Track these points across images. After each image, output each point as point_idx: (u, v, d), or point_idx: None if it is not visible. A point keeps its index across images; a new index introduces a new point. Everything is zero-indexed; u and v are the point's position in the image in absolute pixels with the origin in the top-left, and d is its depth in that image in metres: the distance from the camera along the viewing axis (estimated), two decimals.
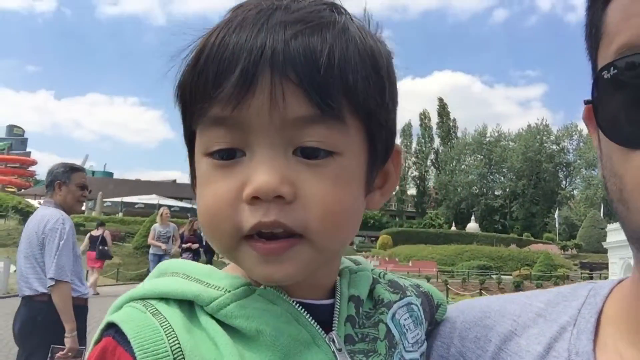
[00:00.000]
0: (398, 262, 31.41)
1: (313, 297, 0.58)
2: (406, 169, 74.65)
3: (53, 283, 3.50)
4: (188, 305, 0.53)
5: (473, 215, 53.33)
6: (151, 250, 11.34)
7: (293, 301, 0.55)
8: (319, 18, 0.52)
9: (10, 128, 75.54)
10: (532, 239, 45.60)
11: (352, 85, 0.51)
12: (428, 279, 19.40)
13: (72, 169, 3.92)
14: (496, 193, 58.51)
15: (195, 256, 10.85)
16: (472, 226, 48.06)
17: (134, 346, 0.48)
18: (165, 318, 0.51)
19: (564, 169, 57.99)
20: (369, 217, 64.36)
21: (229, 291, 0.54)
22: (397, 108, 0.59)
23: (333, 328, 0.57)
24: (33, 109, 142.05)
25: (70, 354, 3.52)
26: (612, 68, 0.51)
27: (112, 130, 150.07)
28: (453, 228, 51.84)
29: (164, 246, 10.70)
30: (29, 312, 3.63)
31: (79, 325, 3.66)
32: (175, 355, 0.48)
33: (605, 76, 0.51)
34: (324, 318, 0.57)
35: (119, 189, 49.84)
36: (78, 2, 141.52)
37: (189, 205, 38.43)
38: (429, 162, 73.83)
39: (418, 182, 74.26)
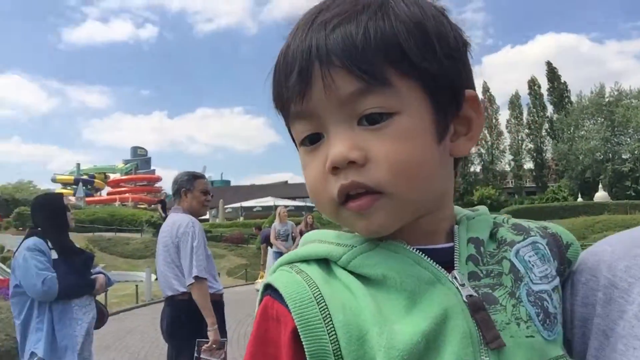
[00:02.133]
0: None
1: (431, 243, 0.64)
2: (519, 141, 71.03)
3: (192, 281, 3.77)
4: (325, 263, 0.63)
5: (600, 184, 49.29)
6: (273, 249, 11.91)
7: (412, 248, 0.62)
8: (354, 7, 0.60)
9: (135, 149, 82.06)
10: None
11: (393, 53, 0.58)
12: None
13: (194, 177, 4.19)
14: (624, 157, 53.68)
15: None
16: (601, 195, 44.45)
17: (285, 298, 0.59)
18: (307, 274, 0.61)
19: None
20: (485, 197, 62.09)
21: (355, 247, 0.62)
22: (458, 58, 0.63)
23: (455, 267, 0.62)
24: (151, 129, 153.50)
25: (214, 345, 3.79)
26: None
27: (224, 140, 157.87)
28: (579, 199, 48.46)
29: (284, 249, 11.23)
30: (172, 311, 3.92)
31: (218, 320, 3.91)
32: (318, 301, 0.58)
33: None
34: (445, 259, 0.62)
35: (236, 195, 52.42)
36: (177, 25, 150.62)
37: (302, 204, 39.51)
38: (543, 132, 69.60)
39: (534, 154, 70.32)
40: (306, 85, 0.59)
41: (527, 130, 70.22)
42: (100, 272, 3.86)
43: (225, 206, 42.56)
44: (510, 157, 71.96)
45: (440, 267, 0.61)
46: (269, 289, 0.63)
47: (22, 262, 3.44)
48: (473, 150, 0.68)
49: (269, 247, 12.54)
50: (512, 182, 70.46)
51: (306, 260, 0.64)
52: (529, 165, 71.57)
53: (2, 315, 7.48)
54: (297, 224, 12.40)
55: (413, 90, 0.59)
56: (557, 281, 0.66)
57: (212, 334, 3.81)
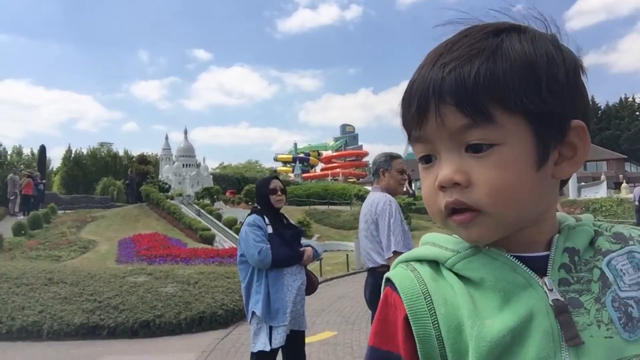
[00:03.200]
0: None
1: (530, 252, 0.71)
2: None
3: (391, 255, 3.96)
4: (435, 264, 0.74)
5: None
6: None
7: (510, 255, 0.70)
8: (471, 50, 0.67)
9: (343, 127, 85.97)
10: None
11: (499, 93, 0.65)
12: None
13: (391, 157, 4.36)
14: None
15: None
16: None
17: (400, 291, 0.72)
18: (419, 272, 0.73)
19: None
20: None
21: (459, 252, 0.72)
22: (566, 93, 0.68)
23: (547, 274, 0.69)
24: (358, 106, 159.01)
25: None
26: None
27: (403, 131, 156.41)
28: None
29: None
30: (374, 281, 4.17)
31: None
32: (425, 296, 0.70)
33: None
34: (540, 266, 0.70)
35: None
36: (379, 1, 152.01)
37: None
38: None
39: None
40: (423, 118, 0.69)
41: None
42: (308, 245, 4.27)
43: None
44: None
45: (533, 273, 0.69)
46: (389, 281, 0.75)
47: (244, 235, 4.02)
48: None
49: None
50: None
51: (420, 260, 0.75)
52: None
53: (236, 279, 8.70)
54: None
55: (516, 124, 0.66)
56: None
57: None
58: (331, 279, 13.08)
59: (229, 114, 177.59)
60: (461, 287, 0.69)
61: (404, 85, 0.74)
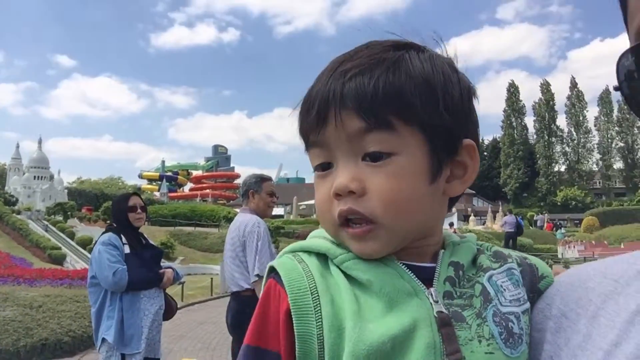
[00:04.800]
0: (607, 245, 28.27)
1: (419, 261, 0.71)
2: (609, 140, 66.95)
3: (256, 279, 3.91)
4: (323, 257, 0.72)
5: None
6: None
7: (399, 262, 0.70)
8: (371, 60, 0.69)
9: (216, 148, 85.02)
10: None
11: (397, 103, 0.67)
12: None
13: (262, 179, 4.36)
14: None
15: None
16: None
17: (285, 284, 0.68)
18: (307, 264, 0.70)
19: None
20: (569, 198, 59.00)
21: (350, 251, 0.70)
22: (460, 111, 0.71)
23: (433, 285, 0.69)
24: (231, 128, 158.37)
25: None
26: (630, 55, 0.51)
27: (300, 139, 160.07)
28: None
29: None
30: (237, 305, 4.09)
31: None
32: (312, 291, 0.66)
33: (626, 63, 0.52)
34: (427, 277, 0.69)
35: (311, 192, 52.81)
36: (257, 28, 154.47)
37: None
38: (635, 130, 65.22)
39: (625, 153, 66.08)
40: (323, 122, 0.69)
41: (617, 128, 66.12)
42: (169, 267, 4.06)
43: (299, 203, 43.17)
44: (599, 156, 68.03)
45: (420, 282, 0.68)
46: (273, 272, 0.71)
47: (97, 255, 3.70)
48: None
49: None
50: (599, 182, 66.62)
51: (308, 252, 0.72)
52: (618, 165, 67.35)
53: (86, 304, 8.04)
54: None
55: (413, 136, 0.68)
56: (528, 305, 0.72)
57: None
58: (193, 303, 12.67)
59: (91, 126, 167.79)
60: (347, 287, 0.67)
61: (278, 112, 0.74)
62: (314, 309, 0.65)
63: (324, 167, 0.72)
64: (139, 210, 3.91)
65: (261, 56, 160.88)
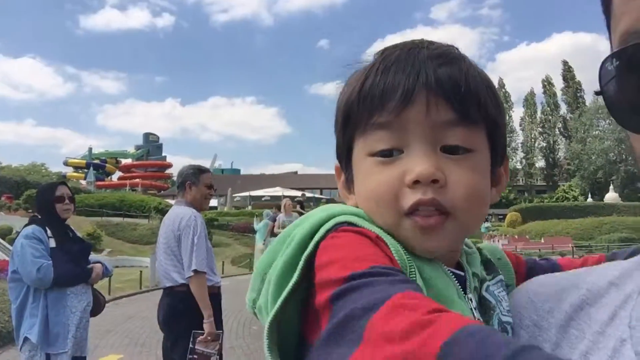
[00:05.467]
0: (529, 239, 29.82)
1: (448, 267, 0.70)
2: (532, 140, 70.42)
3: (192, 274, 3.80)
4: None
5: (612, 185, 48.82)
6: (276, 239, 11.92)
7: (447, 268, 0.68)
8: (451, 54, 0.69)
9: (147, 136, 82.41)
10: None
11: (480, 100, 0.67)
12: (563, 255, 18.25)
13: (200, 170, 4.22)
14: None
15: None
16: (611, 196, 43.99)
17: (388, 242, 0.63)
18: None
19: None
20: None
21: None
22: (503, 119, 0.73)
23: (467, 293, 0.69)
24: (164, 116, 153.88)
25: (209, 337, 3.82)
26: (614, 59, 0.51)
27: (235, 129, 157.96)
28: (589, 200, 48.04)
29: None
30: (171, 301, 3.96)
31: (215, 312, 3.95)
32: (408, 263, 0.63)
33: (609, 67, 0.52)
34: (459, 284, 0.69)
35: (246, 184, 52.58)
36: (193, 14, 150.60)
37: (310, 195, 39.52)
38: (557, 131, 69.06)
39: (546, 152, 69.81)
40: (405, 104, 0.65)
41: (540, 129, 69.66)
42: (97, 262, 3.88)
43: (234, 195, 42.73)
44: (522, 155, 71.38)
45: (461, 290, 0.68)
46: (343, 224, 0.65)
47: (20, 249, 3.48)
48: None
49: (268, 237, 12.59)
50: (522, 180, 70.00)
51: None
52: (540, 163, 71.06)
53: (5, 297, 7.57)
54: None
55: (484, 136, 0.69)
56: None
57: (207, 325, 3.84)
58: (121, 297, 12.27)
59: (11, 109, 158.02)
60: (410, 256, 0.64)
61: (213, 100, 0.66)
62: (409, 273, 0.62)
63: (384, 154, 0.67)
64: (66, 201, 3.70)
65: (196, 44, 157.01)
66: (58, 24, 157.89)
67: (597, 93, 0.55)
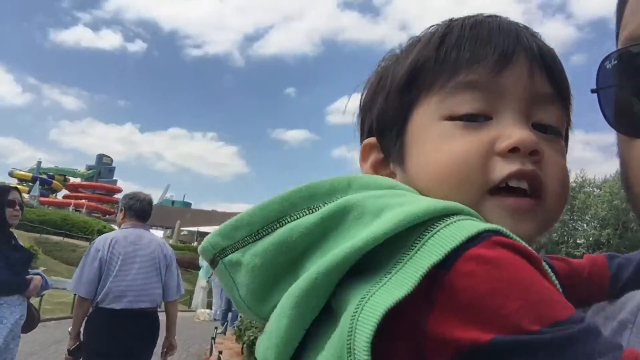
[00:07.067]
0: None
1: None
2: None
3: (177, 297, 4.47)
4: None
5: None
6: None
7: None
8: (538, 34, 0.63)
9: (100, 157, 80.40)
10: None
11: (569, 82, 0.62)
12: None
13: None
14: (578, 241, 55.25)
15: None
16: None
17: (535, 254, 0.46)
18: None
19: None
20: None
21: None
22: None
23: None
24: (121, 140, 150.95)
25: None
26: (612, 58, 0.52)
27: (192, 163, 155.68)
28: None
29: None
30: (150, 324, 4.26)
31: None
32: None
33: (607, 66, 0.52)
34: None
35: (195, 218, 51.57)
36: (166, 45, 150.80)
37: None
38: None
39: None
40: (506, 64, 0.57)
41: None
42: (37, 274, 3.70)
43: (182, 228, 41.80)
44: None
45: None
46: (493, 233, 0.46)
47: None
48: None
49: (213, 275, 12.35)
50: None
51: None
52: None
53: None
54: None
55: (565, 126, 0.64)
56: None
57: (174, 340, 4.56)
58: (50, 319, 11.59)
59: None
60: None
61: (173, 131, 0.61)
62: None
63: (469, 118, 0.57)
64: (17, 207, 3.55)
65: (165, 74, 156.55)
66: (27, 33, 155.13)
67: (592, 91, 0.55)
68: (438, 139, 0.58)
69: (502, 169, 0.55)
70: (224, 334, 10.79)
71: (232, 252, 0.53)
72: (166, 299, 4.38)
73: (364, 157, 0.68)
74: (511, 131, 0.55)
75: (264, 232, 0.52)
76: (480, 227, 0.45)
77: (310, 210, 0.51)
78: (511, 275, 0.41)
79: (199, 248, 0.55)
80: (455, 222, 0.46)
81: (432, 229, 0.45)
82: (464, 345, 0.39)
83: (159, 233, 41.71)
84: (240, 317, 9.21)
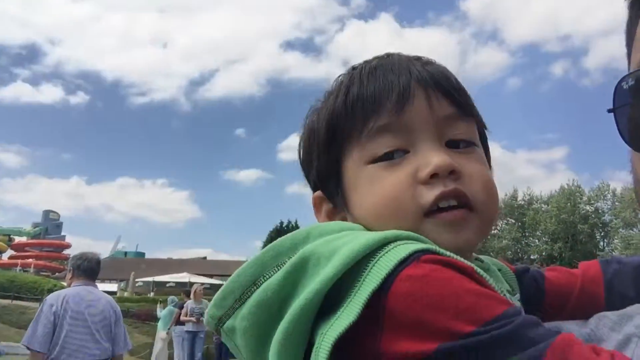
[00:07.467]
0: None
1: None
2: None
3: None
4: None
5: None
6: (185, 328, 11.26)
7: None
8: (426, 58, 0.69)
9: (47, 213, 77.38)
10: None
11: (470, 95, 0.68)
12: None
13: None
14: (532, 257, 56.59)
15: None
16: None
17: (462, 263, 0.52)
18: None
19: (601, 229, 55.90)
20: None
21: None
22: None
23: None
24: (67, 194, 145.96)
25: None
26: (630, 79, 0.54)
27: (143, 211, 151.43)
28: None
29: (197, 320, 10.67)
30: None
31: None
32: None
33: (624, 86, 0.54)
34: None
35: (150, 268, 49.98)
36: (109, 95, 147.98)
37: (220, 282, 38.20)
38: None
39: None
40: (406, 102, 0.63)
41: None
42: None
43: (137, 279, 40.43)
44: None
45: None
46: (426, 254, 0.52)
47: None
48: None
49: (173, 325, 11.95)
50: None
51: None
52: None
53: None
54: None
55: (477, 134, 0.69)
56: None
57: None
58: None
59: None
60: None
61: (122, 180, 0.66)
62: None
63: (388, 156, 0.64)
64: None
65: (110, 124, 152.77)
66: None
67: (609, 111, 0.56)
68: (368, 182, 0.65)
69: (428, 195, 0.61)
70: None
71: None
72: (115, 352, 4.53)
73: (317, 209, 0.75)
74: (428, 159, 0.62)
75: (245, 297, 0.57)
76: (411, 249, 0.52)
77: (278, 268, 0.56)
78: (442, 288, 0.48)
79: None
80: (392, 248, 0.53)
81: (373, 259, 0.52)
82: (415, 358, 0.45)
83: (112, 287, 40.21)
84: None
